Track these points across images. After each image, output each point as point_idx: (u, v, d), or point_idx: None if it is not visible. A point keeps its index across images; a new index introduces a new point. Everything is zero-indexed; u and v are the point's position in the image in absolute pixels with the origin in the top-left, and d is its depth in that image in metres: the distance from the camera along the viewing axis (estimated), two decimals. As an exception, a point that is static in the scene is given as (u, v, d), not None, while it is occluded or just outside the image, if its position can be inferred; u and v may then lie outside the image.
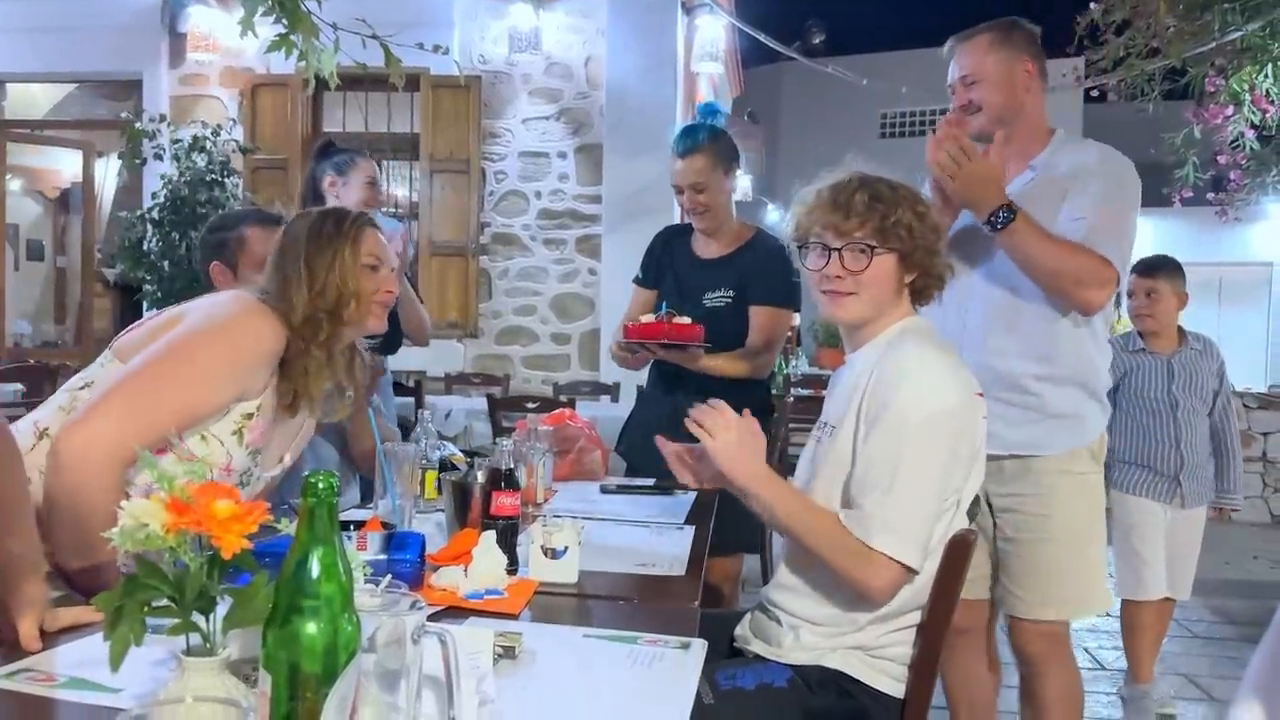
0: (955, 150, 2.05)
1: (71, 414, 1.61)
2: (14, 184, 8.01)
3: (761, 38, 6.98)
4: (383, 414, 2.55)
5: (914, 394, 1.53)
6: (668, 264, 2.89)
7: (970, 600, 2.10)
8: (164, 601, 0.87)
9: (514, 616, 1.42)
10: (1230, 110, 5.18)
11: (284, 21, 3.14)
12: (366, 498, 2.38)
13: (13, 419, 1.69)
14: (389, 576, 1.05)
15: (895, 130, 15.73)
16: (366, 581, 1.02)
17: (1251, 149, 5.55)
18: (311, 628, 0.81)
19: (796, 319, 3.64)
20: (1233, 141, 5.40)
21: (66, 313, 8.53)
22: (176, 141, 6.19)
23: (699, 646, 1.30)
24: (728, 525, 2.27)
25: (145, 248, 5.98)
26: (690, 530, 2.07)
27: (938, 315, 1.87)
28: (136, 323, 1.83)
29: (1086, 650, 3.97)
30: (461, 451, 2.23)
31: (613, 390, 5.80)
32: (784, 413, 4.40)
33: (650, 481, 2.58)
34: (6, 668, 1.12)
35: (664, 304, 2.70)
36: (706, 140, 2.73)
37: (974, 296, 2.16)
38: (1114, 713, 3.34)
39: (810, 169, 1.73)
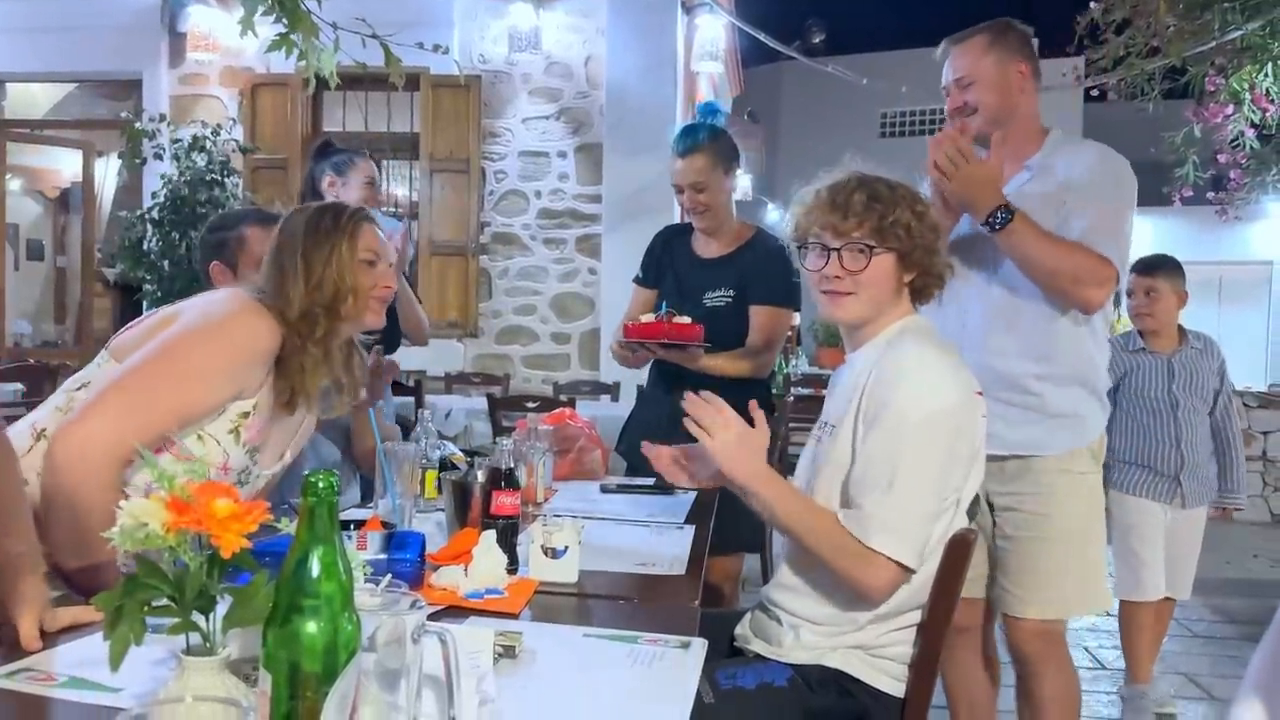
0: (953, 152, 2.06)
1: (68, 414, 1.61)
2: (14, 184, 8.01)
3: (761, 37, 6.97)
4: (383, 412, 2.55)
5: (913, 393, 1.53)
6: (668, 263, 2.89)
7: (968, 599, 2.10)
8: (164, 601, 0.87)
9: (514, 616, 1.42)
10: (1230, 109, 5.18)
11: (284, 21, 3.13)
12: (367, 497, 2.38)
13: (12, 419, 1.69)
14: (389, 576, 1.05)
15: (895, 130, 15.74)
16: (366, 581, 1.02)
17: (1251, 148, 5.55)
18: (312, 627, 0.81)
19: (796, 319, 3.64)
20: (1233, 140, 5.40)
21: (66, 313, 8.53)
22: (176, 141, 6.19)
23: (699, 646, 1.30)
24: (728, 524, 2.27)
25: (145, 247, 5.98)
26: (690, 530, 2.07)
27: (938, 315, 1.86)
28: (132, 322, 1.83)
29: (1086, 650, 3.97)
30: (461, 451, 2.23)
31: (613, 390, 5.80)
32: (784, 412, 4.40)
33: (650, 481, 2.57)
34: (6, 667, 1.12)
35: (664, 303, 2.69)
36: (706, 140, 2.73)
37: (974, 296, 2.17)
38: (1114, 712, 3.33)
39: (810, 168, 1.73)
